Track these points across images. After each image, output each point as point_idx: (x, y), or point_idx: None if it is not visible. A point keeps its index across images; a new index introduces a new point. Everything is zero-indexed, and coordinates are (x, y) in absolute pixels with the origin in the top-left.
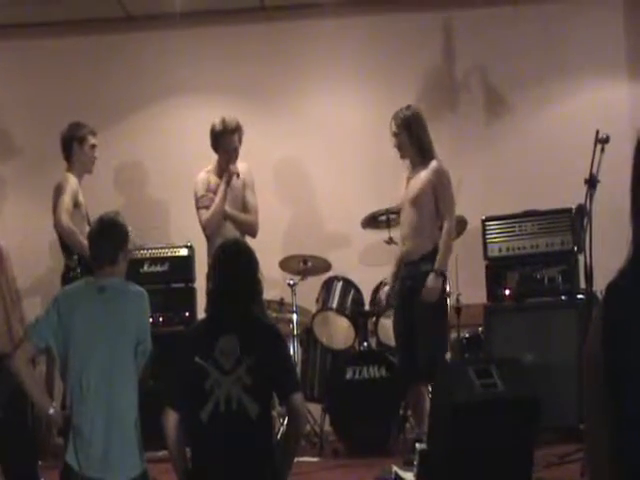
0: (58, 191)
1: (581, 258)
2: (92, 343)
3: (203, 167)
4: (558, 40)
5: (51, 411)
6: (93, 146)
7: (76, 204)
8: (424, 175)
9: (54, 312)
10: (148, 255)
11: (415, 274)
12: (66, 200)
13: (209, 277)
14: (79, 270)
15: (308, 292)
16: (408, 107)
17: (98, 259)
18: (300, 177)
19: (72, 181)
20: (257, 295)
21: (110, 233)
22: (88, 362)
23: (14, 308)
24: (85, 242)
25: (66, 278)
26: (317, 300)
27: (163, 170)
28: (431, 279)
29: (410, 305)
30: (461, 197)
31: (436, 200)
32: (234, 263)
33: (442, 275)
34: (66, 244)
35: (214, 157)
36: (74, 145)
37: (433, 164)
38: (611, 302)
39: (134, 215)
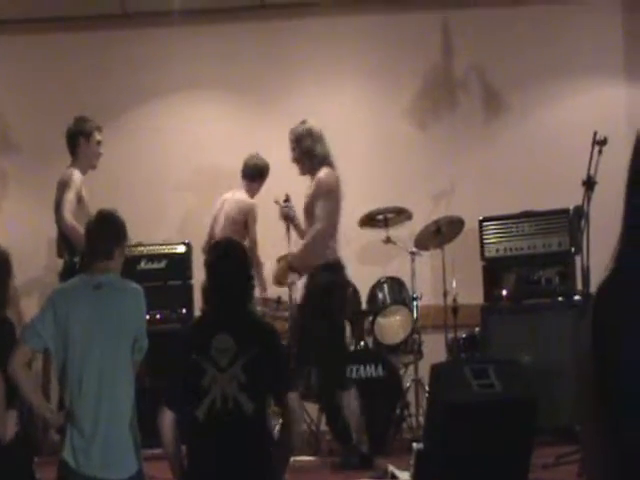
0: (62, 187)
1: (578, 259)
2: (89, 341)
3: (200, 164)
4: (556, 41)
5: (49, 415)
6: (99, 142)
7: (79, 200)
8: (312, 186)
9: (50, 311)
10: (145, 252)
11: (309, 284)
12: (70, 197)
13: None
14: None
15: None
16: (303, 122)
17: (94, 253)
18: (297, 175)
19: (76, 177)
20: (251, 292)
21: (107, 228)
22: (86, 360)
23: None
24: None
25: (64, 276)
26: None
27: (161, 167)
28: (289, 275)
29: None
30: (458, 197)
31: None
32: (228, 261)
33: (296, 271)
34: (67, 242)
35: (211, 152)
36: (80, 140)
37: (318, 174)
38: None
39: (131, 212)
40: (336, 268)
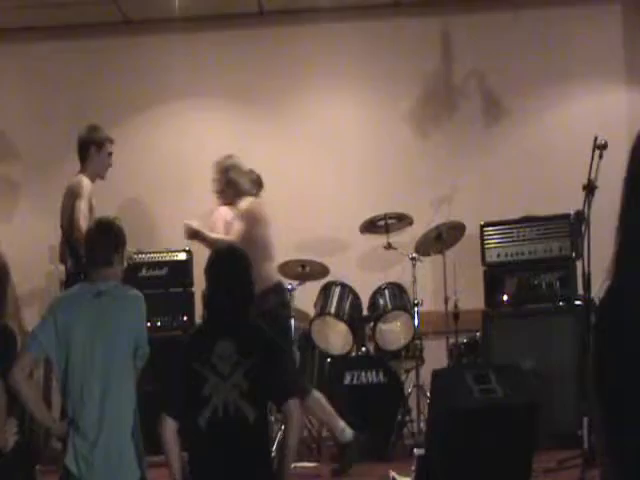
0: (73, 194)
1: (579, 264)
2: (91, 349)
3: (199, 171)
4: (556, 46)
5: (51, 424)
6: (110, 154)
7: (90, 209)
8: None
9: (51, 320)
10: (146, 259)
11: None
12: (82, 205)
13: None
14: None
15: (306, 297)
16: (229, 156)
17: (94, 261)
18: (298, 182)
19: (86, 184)
20: (252, 300)
21: (106, 235)
22: (87, 368)
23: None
24: None
25: (69, 284)
26: (315, 305)
27: (161, 174)
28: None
29: None
30: (459, 203)
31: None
32: (229, 268)
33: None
34: (72, 249)
35: (211, 160)
36: (91, 149)
37: (240, 204)
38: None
39: (131, 220)
40: (278, 290)
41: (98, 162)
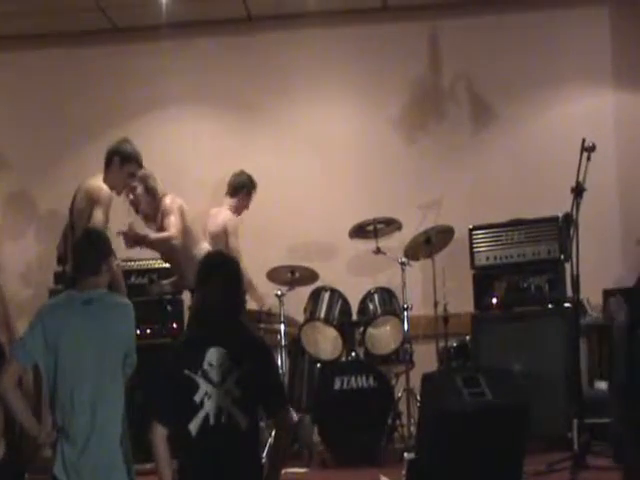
0: (92, 200)
1: (568, 266)
2: (79, 357)
3: (188, 178)
4: (544, 49)
5: (38, 434)
6: (132, 175)
7: (107, 219)
8: (159, 216)
9: (39, 327)
10: (135, 267)
11: None
12: (101, 216)
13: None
14: None
15: (296, 302)
16: (145, 169)
17: (81, 269)
18: (287, 187)
19: (107, 194)
20: (243, 306)
21: (94, 244)
22: (76, 376)
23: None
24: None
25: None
26: (305, 310)
27: None
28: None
29: None
30: (447, 207)
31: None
32: (220, 274)
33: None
34: None
35: (200, 166)
36: (114, 159)
37: (164, 201)
38: None
39: (121, 227)
40: None
41: (118, 176)
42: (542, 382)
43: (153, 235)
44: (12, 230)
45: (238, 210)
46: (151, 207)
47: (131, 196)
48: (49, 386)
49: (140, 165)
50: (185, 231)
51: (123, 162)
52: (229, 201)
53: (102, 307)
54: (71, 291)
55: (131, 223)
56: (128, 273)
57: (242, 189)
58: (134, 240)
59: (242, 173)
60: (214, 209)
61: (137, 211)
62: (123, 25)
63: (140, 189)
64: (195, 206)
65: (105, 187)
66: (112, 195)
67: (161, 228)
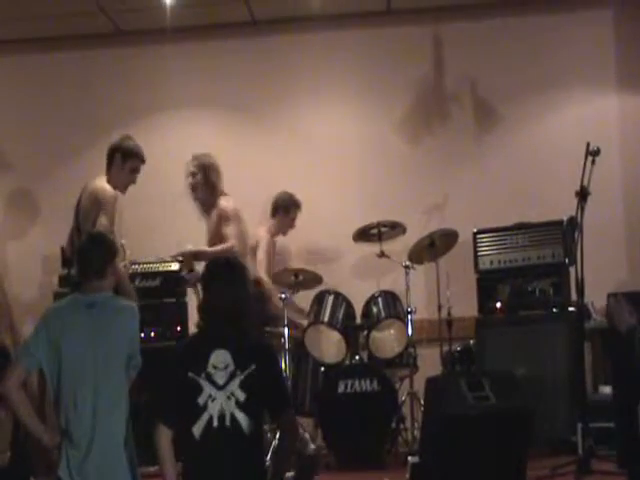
0: (97, 202)
1: (572, 270)
2: (83, 360)
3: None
4: (548, 53)
5: (43, 436)
6: (134, 170)
7: (112, 222)
8: (214, 215)
9: (43, 331)
10: (139, 270)
11: None
12: (105, 222)
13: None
14: None
15: (300, 306)
16: (206, 154)
17: (86, 273)
18: (291, 191)
19: (112, 195)
20: (249, 309)
21: (99, 247)
22: (80, 379)
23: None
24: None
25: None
26: (309, 314)
27: (152, 184)
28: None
29: None
30: (452, 210)
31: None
32: (226, 278)
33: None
34: None
35: None
36: (116, 156)
37: (219, 202)
38: None
39: (124, 230)
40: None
41: (121, 173)
42: (546, 386)
43: (212, 249)
44: (16, 231)
45: (280, 230)
46: (207, 200)
47: (190, 179)
48: (53, 389)
49: (142, 160)
50: (241, 239)
51: (125, 158)
52: (269, 221)
53: (106, 310)
54: (76, 294)
55: (183, 252)
56: (132, 276)
57: (278, 209)
58: (194, 259)
59: (282, 193)
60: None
61: (195, 198)
62: (127, 28)
63: (199, 177)
64: (194, 209)
65: (109, 188)
66: (117, 195)
67: (217, 232)
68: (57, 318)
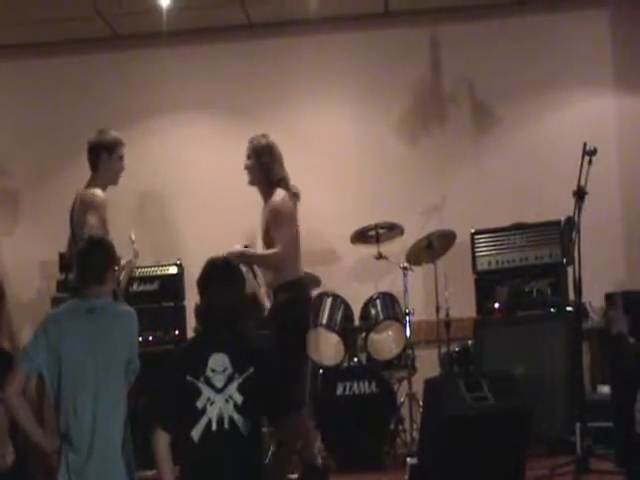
0: (85, 207)
1: (570, 270)
2: (83, 365)
3: (188, 184)
4: (544, 53)
5: (43, 441)
6: (121, 157)
7: (103, 223)
8: (267, 209)
9: (42, 336)
10: (138, 274)
11: (273, 304)
12: (93, 222)
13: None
14: None
15: None
16: (264, 135)
17: (85, 278)
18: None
19: (100, 198)
20: (246, 312)
21: (98, 252)
22: (80, 383)
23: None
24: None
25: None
26: None
27: (153, 187)
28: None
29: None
30: (449, 211)
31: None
32: (224, 280)
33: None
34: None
35: (202, 172)
36: (102, 154)
37: (273, 198)
38: None
39: (121, 234)
40: (295, 286)
41: (110, 168)
42: (544, 386)
43: (258, 254)
44: (13, 236)
45: None
46: (262, 188)
47: (247, 161)
48: (53, 394)
49: (123, 143)
50: (289, 243)
51: (110, 152)
52: None
53: (105, 316)
54: (75, 300)
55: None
56: (130, 280)
57: None
58: (240, 260)
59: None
60: None
61: (250, 182)
62: (124, 32)
63: (252, 161)
64: (193, 212)
65: (98, 192)
66: (105, 198)
67: (267, 230)
68: (56, 323)
